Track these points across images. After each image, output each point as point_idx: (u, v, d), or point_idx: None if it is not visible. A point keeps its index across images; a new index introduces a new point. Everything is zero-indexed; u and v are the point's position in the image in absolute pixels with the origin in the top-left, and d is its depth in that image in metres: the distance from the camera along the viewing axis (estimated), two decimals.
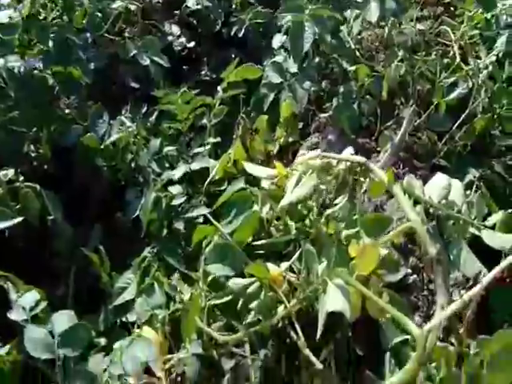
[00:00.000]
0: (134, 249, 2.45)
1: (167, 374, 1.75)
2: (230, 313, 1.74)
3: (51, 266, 2.56)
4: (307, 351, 1.50)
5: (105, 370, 1.76)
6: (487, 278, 1.26)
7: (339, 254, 1.38)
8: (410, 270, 1.85)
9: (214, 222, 1.91)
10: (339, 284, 1.33)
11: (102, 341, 2.13)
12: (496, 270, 1.26)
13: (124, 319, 2.20)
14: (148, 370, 1.75)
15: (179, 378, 1.76)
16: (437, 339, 1.27)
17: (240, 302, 1.63)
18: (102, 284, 2.31)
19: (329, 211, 1.58)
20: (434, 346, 1.26)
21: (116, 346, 1.89)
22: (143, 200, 2.45)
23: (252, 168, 1.93)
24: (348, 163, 1.65)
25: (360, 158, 1.65)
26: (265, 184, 1.90)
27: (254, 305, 1.57)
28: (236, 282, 1.63)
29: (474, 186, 2.06)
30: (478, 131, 2.38)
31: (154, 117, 2.96)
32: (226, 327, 1.80)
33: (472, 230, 1.68)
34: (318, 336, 1.36)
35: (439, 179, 1.77)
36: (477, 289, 1.26)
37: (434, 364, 1.39)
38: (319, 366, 1.47)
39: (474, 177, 2.26)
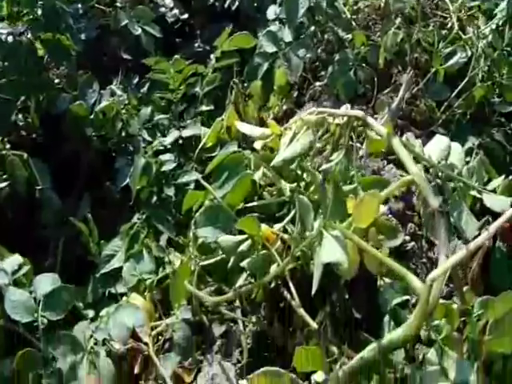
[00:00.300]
0: (123, 218, 2.39)
1: (155, 340, 1.69)
2: (220, 275, 1.68)
3: (40, 236, 2.51)
4: (302, 311, 1.43)
5: (91, 336, 1.69)
6: (493, 226, 1.19)
7: (336, 207, 1.31)
8: (408, 238, 1.79)
9: (206, 185, 1.84)
10: (336, 235, 1.26)
11: (91, 312, 2.08)
12: (502, 219, 1.20)
13: (113, 290, 2.14)
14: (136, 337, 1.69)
15: (167, 344, 1.70)
16: (440, 293, 1.20)
17: (231, 261, 1.56)
18: (90, 254, 2.25)
19: (325, 166, 1.51)
20: (437, 300, 1.19)
21: (103, 312, 1.84)
22: (133, 167, 2.38)
23: (245, 127, 1.85)
24: (345, 118, 1.58)
25: (357, 112, 1.57)
26: (258, 147, 1.84)
27: (245, 263, 1.50)
28: (226, 240, 1.55)
29: (474, 154, 2.01)
30: (477, 99, 2.34)
31: (145, 88, 2.89)
32: (216, 292, 1.73)
33: (473, 192, 1.63)
34: (314, 292, 1.29)
35: (439, 141, 1.71)
36: (482, 237, 1.19)
37: (436, 322, 1.32)
38: (314, 326, 1.40)
39: (473, 144, 2.21)
